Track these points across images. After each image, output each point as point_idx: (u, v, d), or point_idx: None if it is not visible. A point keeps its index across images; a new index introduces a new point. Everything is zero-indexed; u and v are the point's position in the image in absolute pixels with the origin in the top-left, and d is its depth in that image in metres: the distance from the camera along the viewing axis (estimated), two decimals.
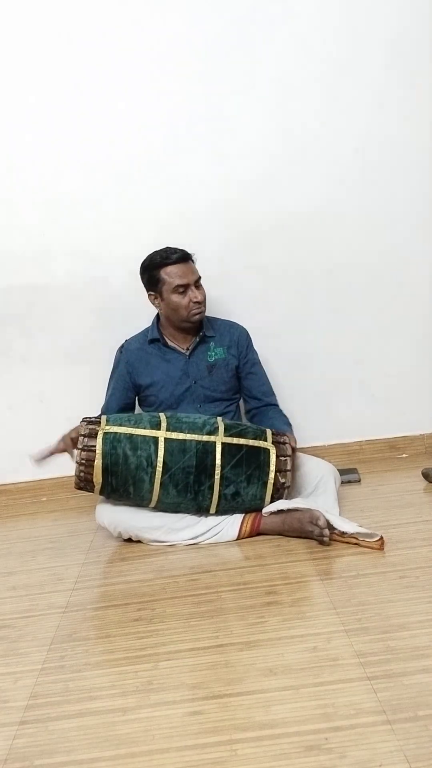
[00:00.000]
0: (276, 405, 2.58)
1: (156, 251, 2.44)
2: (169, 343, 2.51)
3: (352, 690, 1.40)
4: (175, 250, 2.41)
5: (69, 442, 2.31)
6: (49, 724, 1.43)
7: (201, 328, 2.51)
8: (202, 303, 2.42)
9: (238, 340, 2.54)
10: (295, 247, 2.81)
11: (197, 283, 2.42)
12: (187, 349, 2.50)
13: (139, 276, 2.48)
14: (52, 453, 2.35)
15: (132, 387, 2.52)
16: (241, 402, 2.63)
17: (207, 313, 2.56)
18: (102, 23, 2.67)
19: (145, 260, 2.46)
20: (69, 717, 1.44)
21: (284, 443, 2.26)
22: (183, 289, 2.39)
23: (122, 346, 2.56)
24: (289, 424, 2.48)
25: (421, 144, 2.77)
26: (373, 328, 2.88)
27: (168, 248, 2.43)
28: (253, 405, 2.57)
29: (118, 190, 2.76)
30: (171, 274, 2.39)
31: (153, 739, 1.34)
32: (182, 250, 2.42)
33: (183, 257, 2.41)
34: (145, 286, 2.47)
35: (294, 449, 2.30)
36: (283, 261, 2.82)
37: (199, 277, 2.44)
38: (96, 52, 2.69)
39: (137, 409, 2.61)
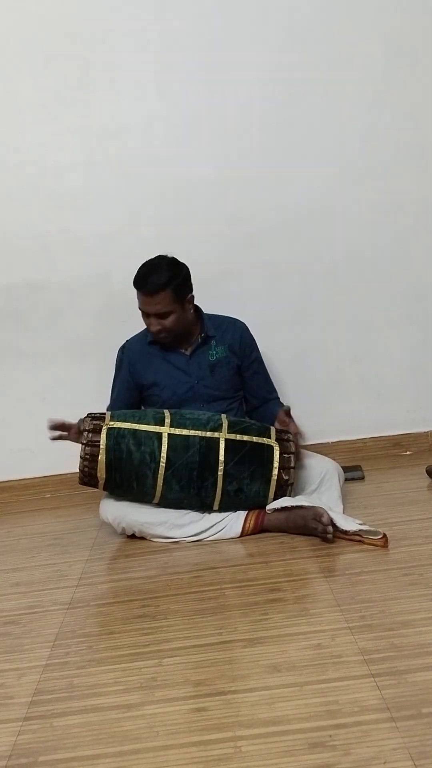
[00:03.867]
0: (277, 398, 2.58)
1: (144, 265, 2.38)
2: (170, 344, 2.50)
3: (356, 687, 1.40)
4: (145, 279, 2.33)
5: (72, 434, 2.29)
6: (53, 720, 1.43)
7: (202, 328, 2.50)
8: (159, 333, 2.39)
9: (241, 338, 2.53)
10: (296, 244, 2.81)
11: (160, 315, 2.36)
12: (188, 349, 2.49)
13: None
14: (64, 426, 2.29)
15: (135, 387, 2.51)
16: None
17: (207, 311, 2.55)
18: (104, 19, 2.67)
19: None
20: (73, 713, 1.44)
21: (288, 440, 2.26)
22: (144, 314, 2.40)
23: (123, 346, 2.56)
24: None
25: (424, 140, 2.76)
26: (376, 325, 2.88)
27: (147, 269, 2.35)
28: (255, 404, 2.57)
29: (120, 188, 2.76)
30: (137, 298, 2.39)
31: (157, 736, 1.33)
32: (153, 281, 2.32)
33: (148, 291, 2.33)
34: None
35: (296, 434, 2.31)
36: (285, 257, 2.81)
37: (164, 312, 2.35)
38: (97, 48, 2.69)
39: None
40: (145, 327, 2.55)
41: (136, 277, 2.38)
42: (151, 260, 2.39)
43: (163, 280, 2.33)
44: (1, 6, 2.66)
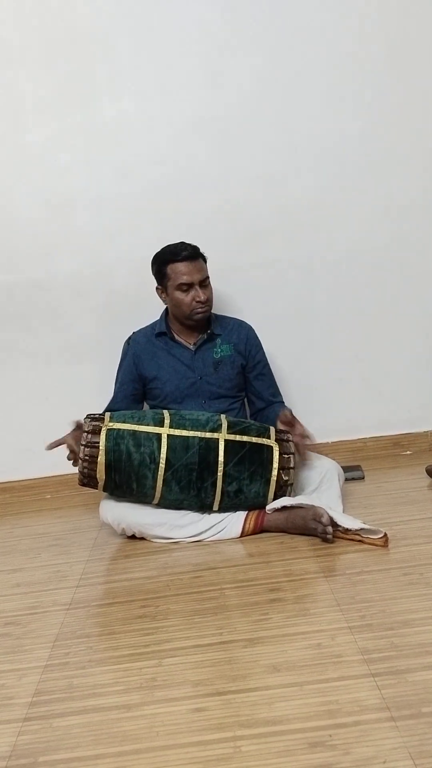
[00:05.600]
0: (282, 402, 2.58)
1: (169, 245, 2.43)
2: (176, 337, 2.51)
3: (355, 687, 1.40)
4: (185, 247, 2.40)
5: (72, 441, 2.29)
6: (53, 720, 1.43)
7: (209, 325, 2.51)
8: (205, 303, 2.41)
9: (247, 339, 2.54)
10: (298, 243, 2.81)
11: (203, 283, 2.41)
12: (194, 344, 2.50)
13: (150, 267, 2.48)
14: (60, 444, 2.31)
15: (138, 379, 2.52)
16: (246, 401, 2.62)
17: (214, 310, 2.56)
18: (105, 20, 2.67)
19: (158, 252, 2.45)
20: (73, 714, 1.44)
21: (288, 441, 2.26)
22: (187, 287, 2.39)
23: (130, 338, 2.57)
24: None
25: (424, 138, 2.76)
26: (377, 324, 2.88)
27: (180, 244, 2.41)
28: (259, 406, 2.57)
29: (122, 187, 2.76)
30: (176, 271, 2.39)
31: (157, 736, 1.34)
32: (194, 248, 2.40)
33: (191, 255, 2.39)
34: (155, 277, 2.47)
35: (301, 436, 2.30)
36: (287, 256, 2.82)
37: (206, 277, 2.42)
38: (99, 49, 2.69)
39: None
40: (151, 322, 2.56)
41: (171, 252, 2.40)
42: (172, 244, 2.43)
43: (197, 247, 2.41)
44: (3, 6, 2.67)
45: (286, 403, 2.57)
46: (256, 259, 2.81)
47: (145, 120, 2.74)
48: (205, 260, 2.44)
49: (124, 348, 2.57)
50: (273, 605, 1.79)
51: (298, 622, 1.70)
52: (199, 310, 2.42)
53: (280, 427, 2.34)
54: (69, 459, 2.29)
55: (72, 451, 2.27)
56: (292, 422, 2.34)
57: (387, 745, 1.23)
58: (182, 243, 2.43)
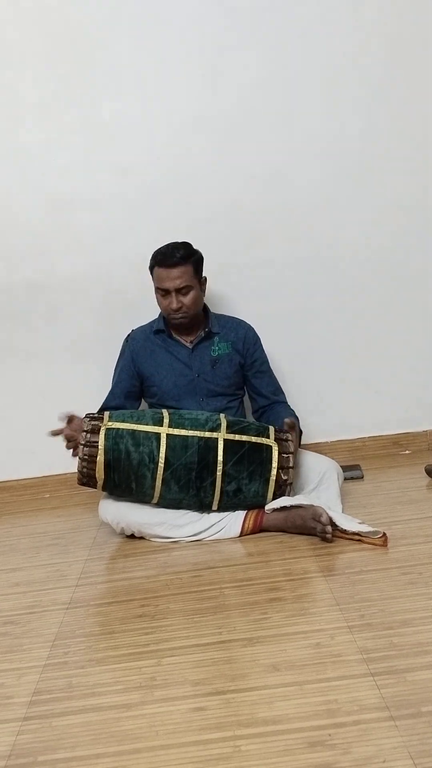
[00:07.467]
0: (285, 402, 2.57)
1: (161, 247, 2.42)
2: (174, 335, 2.51)
3: (355, 686, 1.40)
4: (166, 254, 2.38)
5: (70, 431, 2.27)
6: (53, 720, 1.43)
7: (206, 323, 2.51)
8: (177, 311, 2.40)
9: (245, 338, 2.54)
10: (297, 242, 2.81)
11: (181, 291, 2.38)
12: (191, 342, 2.50)
13: None
14: (59, 434, 2.29)
15: (136, 376, 2.52)
16: (247, 400, 2.62)
17: (213, 309, 2.57)
18: (104, 20, 2.67)
19: (153, 252, 2.45)
20: (72, 713, 1.44)
21: (287, 440, 2.26)
22: (164, 292, 2.40)
23: (129, 335, 2.57)
24: (296, 416, 2.45)
25: (424, 137, 2.76)
26: (376, 324, 2.88)
27: (167, 247, 2.40)
28: (261, 404, 2.56)
29: (121, 186, 2.76)
30: (157, 276, 2.41)
31: (156, 736, 1.34)
32: (174, 254, 2.37)
33: (172, 263, 2.37)
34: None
35: (297, 438, 2.29)
36: (286, 256, 2.81)
37: (185, 285, 2.38)
38: (99, 49, 2.69)
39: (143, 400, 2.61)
40: (150, 321, 2.56)
41: (155, 255, 2.41)
42: (168, 243, 2.43)
43: (184, 253, 2.40)
44: (2, 6, 2.66)
45: (290, 407, 2.56)
46: (256, 258, 2.81)
47: (144, 119, 2.73)
48: (194, 265, 2.41)
49: (123, 345, 2.57)
50: (272, 604, 1.79)
51: (297, 622, 1.70)
52: (173, 316, 2.42)
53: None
54: (68, 449, 2.28)
55: (71, 440, 2.25)
56: (289, 432, 2.31)
57: (386, 744, 1.23)
58: (171, 246, 2.40)
